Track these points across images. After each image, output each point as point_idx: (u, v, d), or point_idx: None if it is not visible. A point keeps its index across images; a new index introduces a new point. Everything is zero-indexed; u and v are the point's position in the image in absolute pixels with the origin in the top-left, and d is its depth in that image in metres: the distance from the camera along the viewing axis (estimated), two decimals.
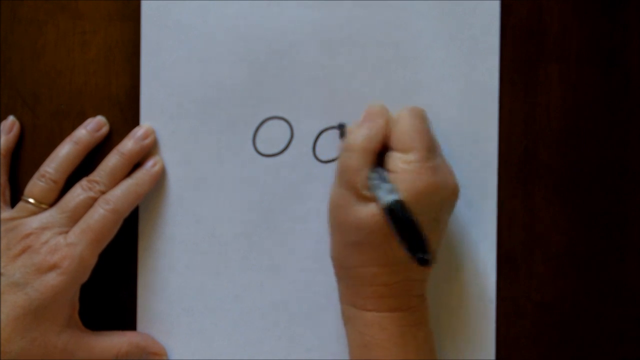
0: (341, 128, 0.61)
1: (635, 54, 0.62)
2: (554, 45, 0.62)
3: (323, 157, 0.62)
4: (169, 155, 0.62)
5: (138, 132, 0.61)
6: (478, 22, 0.62)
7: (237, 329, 0.62)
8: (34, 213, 0.59)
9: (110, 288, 0.62)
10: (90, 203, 0.59)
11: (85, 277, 0.59)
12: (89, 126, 0.61)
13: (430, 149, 0.56)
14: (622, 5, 0.62)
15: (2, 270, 0.57)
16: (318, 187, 0.62)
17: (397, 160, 0.55)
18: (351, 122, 0.61)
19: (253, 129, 0.62)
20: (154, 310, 0.62)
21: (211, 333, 0.62)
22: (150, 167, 0.61)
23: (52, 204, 0.59)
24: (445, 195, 0.56)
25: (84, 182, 0.59)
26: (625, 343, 0.62)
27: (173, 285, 0.62)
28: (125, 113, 0.62)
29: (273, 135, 0.62)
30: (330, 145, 0.62)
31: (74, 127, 0.61)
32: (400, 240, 0.53)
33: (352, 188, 0.55)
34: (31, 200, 0.59)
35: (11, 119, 0.62)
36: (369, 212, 0.54)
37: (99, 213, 0.58)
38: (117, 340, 0.60)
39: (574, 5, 0.62)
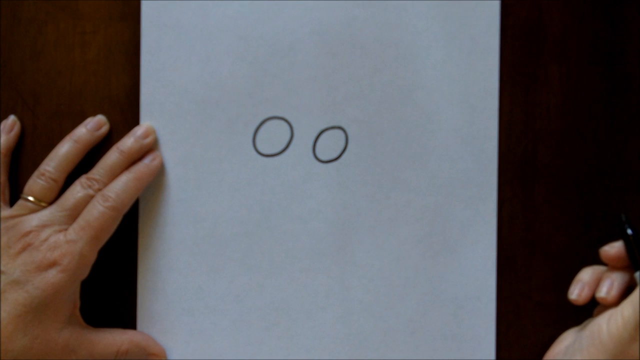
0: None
1: (635, 54, 0.62)
2: (554, 45, 0.62)
3: (323, 157, 0.62)
4: (169, 155, 0.62)
5: (138, 130, 0.61)
6: (478, 22, 0.62)
7: (237, 329, 0.62)
8: (34, 211, 0.59)
9: (110, 288, 0.62)
10: (90, 201, 0.59)
11: (85, 274, 0.59)
12: (89, 125, 0.61)
13: None
14: (622, 6, 0.62)
15: (2, 269, 0.57)
16: (318, 187, 0.62)
17: None
18: (351, 123, 0.61)
19: (253, 129, 0.62)
20: (154, 310, 0.62)
21: (211, 333, 0.62)
22: (149, 161, 0.61)
23: (51, 202, 0.59)
24: None
25: (83, 179, 0.59)
26: None
27: (173, 285, 0.62)
28: (125, 113, 0.62)
29: (273, 135, 0.62)
30: (330, 145, 0.62)
31: (74, 127, 0.61)
32: None
33: None
34: (30, 199, 0.59)
35: (12, 118, 0.62)
36: None
37: (98, 210, 0.58)
38: (118, 338, 0.60)
39: (574, 5, 0.62)
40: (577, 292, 0.59)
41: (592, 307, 0.60)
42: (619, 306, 0.55)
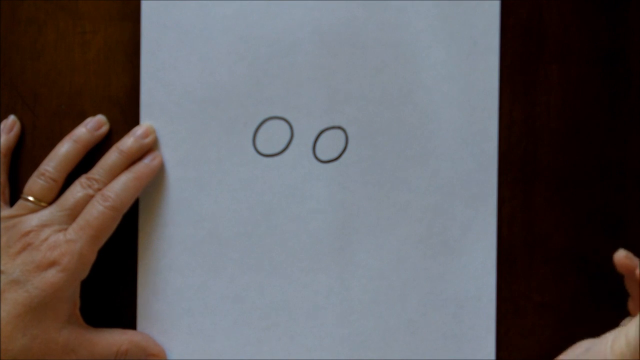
0: None
1: (635, 54, 0.62)
2: (554, 45, 0.62)
3: (323, 157, 0.62)
4: (169, 155, 0.62)
5: (138, 130, 0.61)
6: (478, 22, 0.62)
7: (237, 329, 0.62)
8: (33, 211, 0.59)
9: (110, 288, 0.62)
10: (89, 200, 0.59)
11: (85, 274, 0.59)
12: (88, 125, 0.61)
13: None
14: (622, 5, 0.62)
15: (2, 268, 0.57)
16: (318, 187, 0.62)
17: None
18: (351, 123, 0.61)
19: (253, 129, 0.62)
20: (154, 310, 0.62)
21: (211, 333, 0.62)
22: (149, 161, 0.61)
23: (51, 202, 0.59)
24: None
25: (83, 179, 0.59)
26: None
27: (173, 285, 0.62)
28: (125, 113, 0.62)
29: (273, 135, 0.62)
30: (330, 145, 0.62)
31: (74, 127, 0.61)
32: None
33: None
34: (30, 199, 0.59)
35: (12, 118, 0.62)
36: None
37: (97, 209, 0.58)
38: (118, 338, 0.60)
39: (574, 5, 0.62)
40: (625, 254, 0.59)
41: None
42: (625, 327, 0.55)
